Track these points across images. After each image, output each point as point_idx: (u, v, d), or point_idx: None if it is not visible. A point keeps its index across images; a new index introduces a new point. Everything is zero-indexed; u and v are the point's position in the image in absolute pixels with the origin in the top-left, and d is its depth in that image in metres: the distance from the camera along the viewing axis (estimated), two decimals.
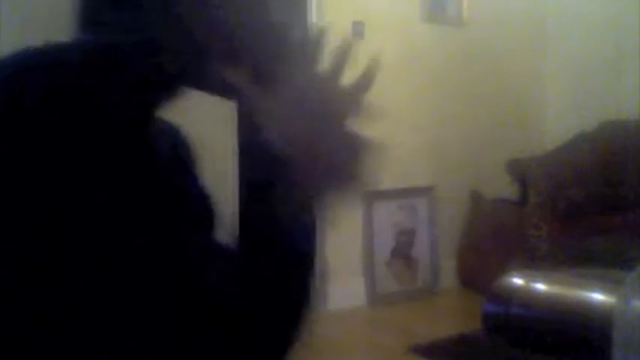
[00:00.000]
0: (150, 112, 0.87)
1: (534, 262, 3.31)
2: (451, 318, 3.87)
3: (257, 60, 0.84)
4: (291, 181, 0.82)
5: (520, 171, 3.62)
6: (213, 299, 0.82)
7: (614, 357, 1.41)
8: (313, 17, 3.78)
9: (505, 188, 3.89)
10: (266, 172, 0.82)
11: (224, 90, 0.90)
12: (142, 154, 0.82)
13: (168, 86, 0.87)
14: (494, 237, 4.04)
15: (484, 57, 4.42)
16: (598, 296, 1.74)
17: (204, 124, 4.20)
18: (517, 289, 1.91)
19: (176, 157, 1.01)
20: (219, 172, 4.24)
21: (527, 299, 1.88)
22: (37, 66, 0.86)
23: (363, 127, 1.00)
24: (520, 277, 1.94)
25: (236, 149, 4.35)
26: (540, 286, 1.91)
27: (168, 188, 0.88)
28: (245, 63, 0.84)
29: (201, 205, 1.04)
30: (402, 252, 4.09)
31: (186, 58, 0.83)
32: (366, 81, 0.94)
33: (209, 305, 0.81)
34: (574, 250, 3.20)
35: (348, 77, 0.98)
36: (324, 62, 0.89)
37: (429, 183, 4.20)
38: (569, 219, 3.51)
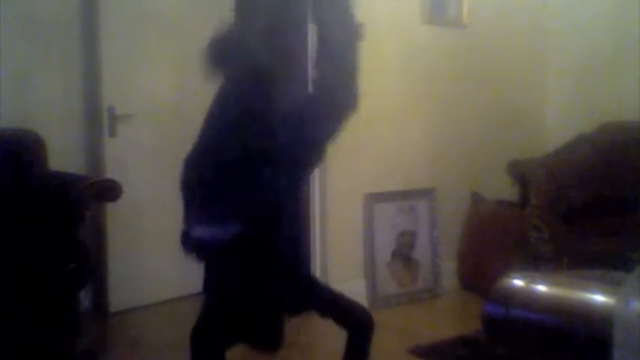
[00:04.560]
0: None
1: (535, 263, 3.31)
2: (452, 320, 3.87)
3: None
4: None
5: (520, 172, 3.62)
6: None
7: (614, 358, 1.41)
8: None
9: (505, 190, 3.89)
10: None
11: None
12: None
13: None
14: (495, 238, 4.03)
15: (484, 58, 4.42)
16: (598, 297, 1.74)
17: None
18: (517, 291, 1.91)
19: None
20: None
21: (528, 301, 1.88)
22: None
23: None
24: (520, 279, 1.94)
25: None
26: (541, 288, 1.90)
27: None
28: None
29: None
30: (403, 254, 4.09)
31: None
32: None
33: None
34: (574, 252, 3.20)
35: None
36: None
37: (429, 185, 4.20)
38: (570, 220, 3.50)
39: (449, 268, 4.25)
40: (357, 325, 2.46)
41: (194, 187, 2.23)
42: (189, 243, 2.21)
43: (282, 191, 2.15)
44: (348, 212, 3.89)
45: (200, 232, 2.17)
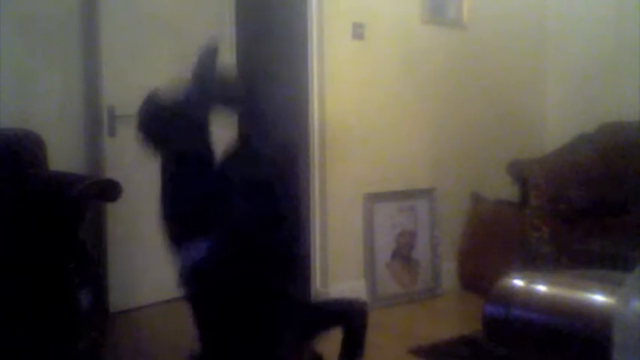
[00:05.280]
0: None
1: (534, 263, 3.31)
2: (452, 320, 3.86)
3: None
4: None
5: (521, 172, 3.62)
6: None
7: (614, 357, 1.41)
8: (313, 18, 3.78)
9: (505, 190, 3.89)
10: None
11: None
12: None
13: None
14: (495, 238, 4.03)
15: (484, 58, 4.42)
16: (598, 297, 1.74)
17: None
18: (517, 291, 1.91)
19: None
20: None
21: (528, 301, 1.88)
22: None
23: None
24: (520, 279, 1.94)
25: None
26: (540, 288, 1.91)
27: None
28: None
29: None
30: (403, 254, 4.09)
31: None
32: None
33: None
34: (574, 252, 3.20)
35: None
36: None
37: (429, 184, 4.20)
38: (570, 220, 3.50)
39: (449, 268, 4.25)
40: (353, 321, 2.48)
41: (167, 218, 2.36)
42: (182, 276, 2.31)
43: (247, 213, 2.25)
44: (348, 212, 3.89)
45: (186, 257, 2.25)
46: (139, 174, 3.81)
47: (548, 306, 1.84)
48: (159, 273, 3.95)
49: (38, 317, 2.72)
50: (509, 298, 1.88)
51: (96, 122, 3.73)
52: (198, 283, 2.29)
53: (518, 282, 1.92)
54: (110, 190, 3.05)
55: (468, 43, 4.34)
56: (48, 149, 3.26)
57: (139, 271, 3.85)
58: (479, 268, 4.05)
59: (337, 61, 3.79)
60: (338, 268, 3.84)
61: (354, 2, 3.84)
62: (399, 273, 4.06)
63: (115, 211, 3.66)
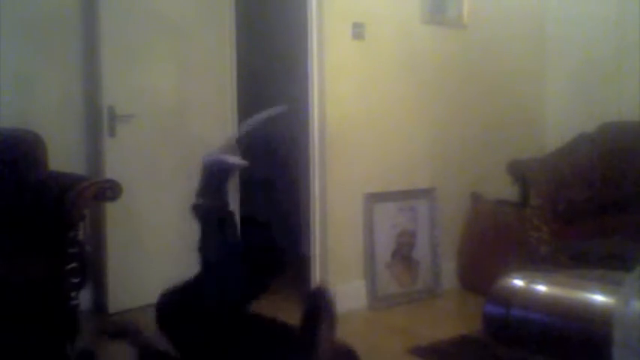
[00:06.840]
0: None
1: (535, 263, 3.31)
2: (452, 320, 3.86)
3: None
4: None
5: (520, 172, 3.61)
6: None
7: (614, 357, 1.41)
8: (313, 18, 3.77)
9: (505, 189, 3.88)
10: None
11: None
12: None
13: None
14: (495, 238, 4.03)
15: (484, 58, 4.42)
16: (598, 297, 1.74)
17: (206, 124, 4.20)
18: (517, 291, 1.91)
19: None
20: None
21: (528, 300, 1.88)
22: None
23: None
24: (520, 279, 1.94)
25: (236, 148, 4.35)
26: (540, 288, 1.91)
27: None
28: None
29: None
30: (403, 254, 4.09)
31: None
32: None
33: None
34: (574, 252, 3.20)
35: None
36: None
37: (429, 184, 4.20)
38: (570, 220, 3.50)
39: (449, 268, 4.25)
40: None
41: None
42: None
43: None
44: (348, 212, 3.88)
45: None
46: (139, 174, 3.81)
47: (548, 306, 1.84)
48: (158, 273, 3.95)
49: (37, 317, 2.72)
50: (509, 298, 1.88)
51: (96, 122, 3.73)
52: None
53: (518, 282, 1.92)
54: (110, 190, 3.06)
55: (468, 44, 4.33)
56: (48, 149, 3.26)
57: (139, 271, 3.85)
58: (479, 268, 4.04)
59: (337, 61, 3.79)
60: (338, 268, 3.84)
61: (354, 2, 3.83)
62: (399, 273, 4.06)
63: (114, 212, 3.66)
